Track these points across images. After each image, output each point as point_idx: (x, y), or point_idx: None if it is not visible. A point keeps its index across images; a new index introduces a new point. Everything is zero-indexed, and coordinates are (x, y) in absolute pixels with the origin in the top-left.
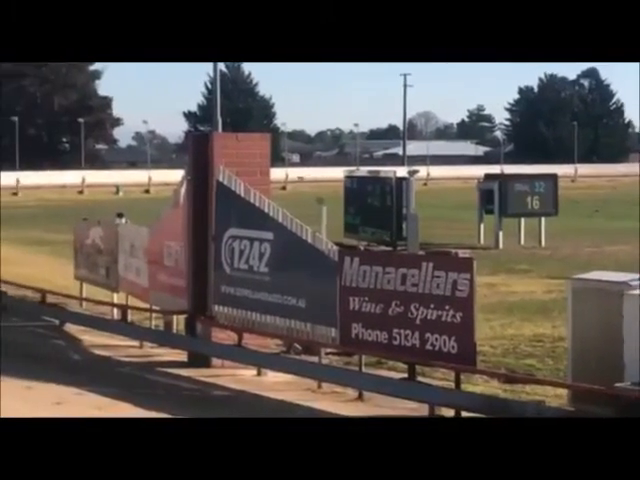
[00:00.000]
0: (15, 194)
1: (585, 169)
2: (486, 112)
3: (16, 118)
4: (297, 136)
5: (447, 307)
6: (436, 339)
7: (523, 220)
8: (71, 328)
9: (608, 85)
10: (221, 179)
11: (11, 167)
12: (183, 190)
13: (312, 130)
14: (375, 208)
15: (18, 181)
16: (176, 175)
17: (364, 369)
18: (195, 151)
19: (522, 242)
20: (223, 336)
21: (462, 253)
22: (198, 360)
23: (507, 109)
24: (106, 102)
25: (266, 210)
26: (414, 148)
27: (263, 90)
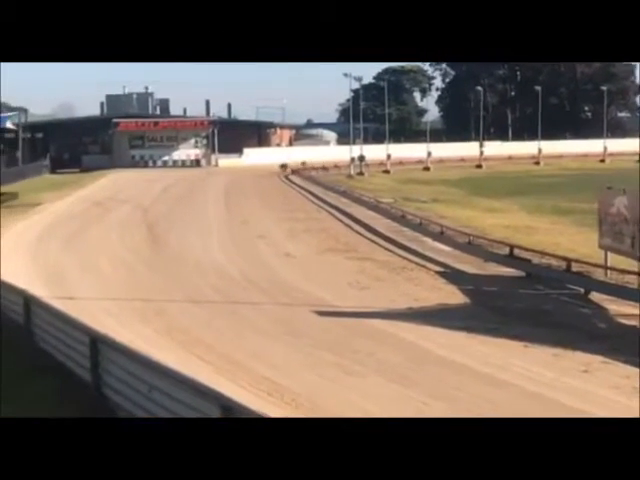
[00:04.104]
0: (537, 163)
1: None
2: None
3: (539, 87)
4: None
5: None
6: None
7: None
8: (596, 297)
9: None
10: None
11: (533, 136)
12: None
13: None
14: None
15: (540, 150)
16: None
17: None
18: None
19: None
20: None
21: None
22: None
23: None
24: (629, 69)
25: None
26: None
27: None
